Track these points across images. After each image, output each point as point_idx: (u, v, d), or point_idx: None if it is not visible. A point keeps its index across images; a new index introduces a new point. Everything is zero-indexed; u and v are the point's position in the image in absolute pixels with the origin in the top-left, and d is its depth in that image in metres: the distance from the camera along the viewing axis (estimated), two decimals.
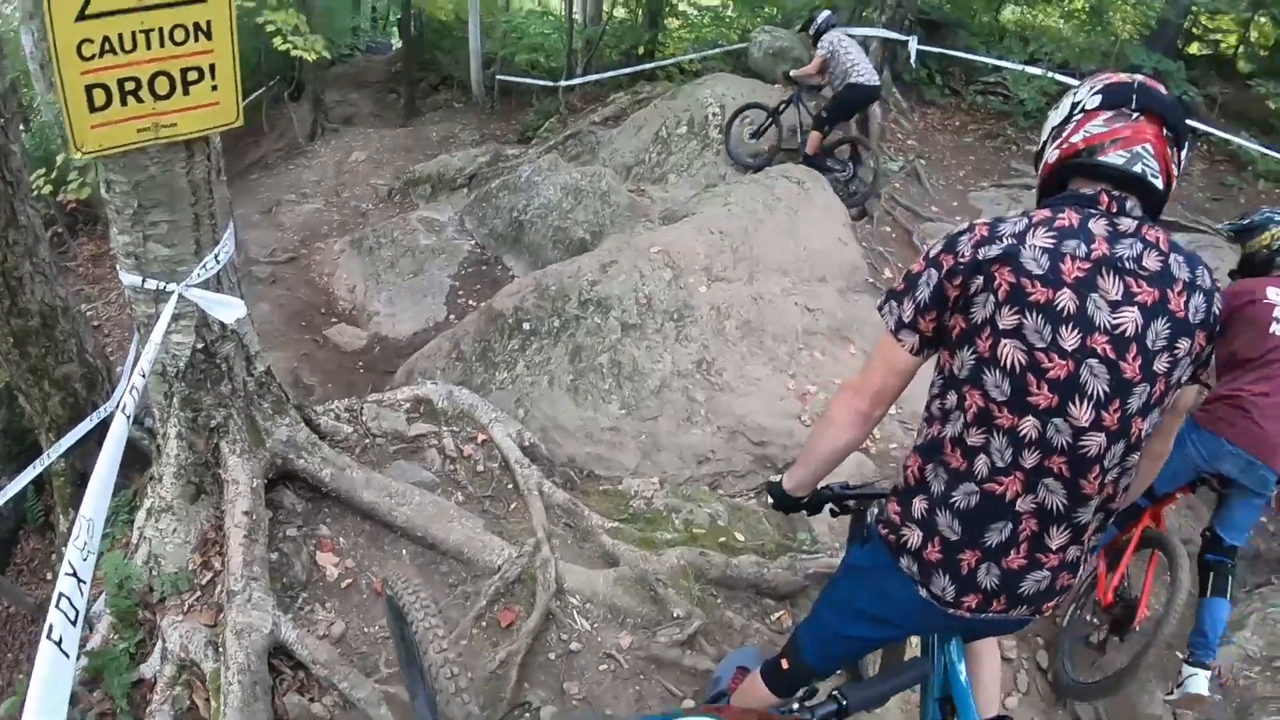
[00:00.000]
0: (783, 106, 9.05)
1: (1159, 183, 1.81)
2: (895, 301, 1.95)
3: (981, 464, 1.88)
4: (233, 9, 2.56)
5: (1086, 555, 1.99)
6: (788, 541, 4.29)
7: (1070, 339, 1.74)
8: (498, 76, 15.55)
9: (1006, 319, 1.76)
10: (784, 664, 2.38)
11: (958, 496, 1.92)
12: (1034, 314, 1.75)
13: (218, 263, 2.93)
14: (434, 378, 7.37)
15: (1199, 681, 3.73)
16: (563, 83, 13.72)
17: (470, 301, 8.93)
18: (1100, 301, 1.74)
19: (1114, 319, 1.74)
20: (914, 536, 1.99)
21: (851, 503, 2.42)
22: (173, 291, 2.83)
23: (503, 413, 4.84)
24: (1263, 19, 11.47)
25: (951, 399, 1.90)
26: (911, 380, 2.01)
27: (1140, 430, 1.83)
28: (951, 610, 1.99)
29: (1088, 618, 4.13)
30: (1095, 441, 1.80)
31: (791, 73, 9.05)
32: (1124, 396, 1.78)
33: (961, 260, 1.82)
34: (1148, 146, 1.79)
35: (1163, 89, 1.86)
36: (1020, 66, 10.37)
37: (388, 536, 3.63)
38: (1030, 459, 1.83)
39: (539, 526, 3.83)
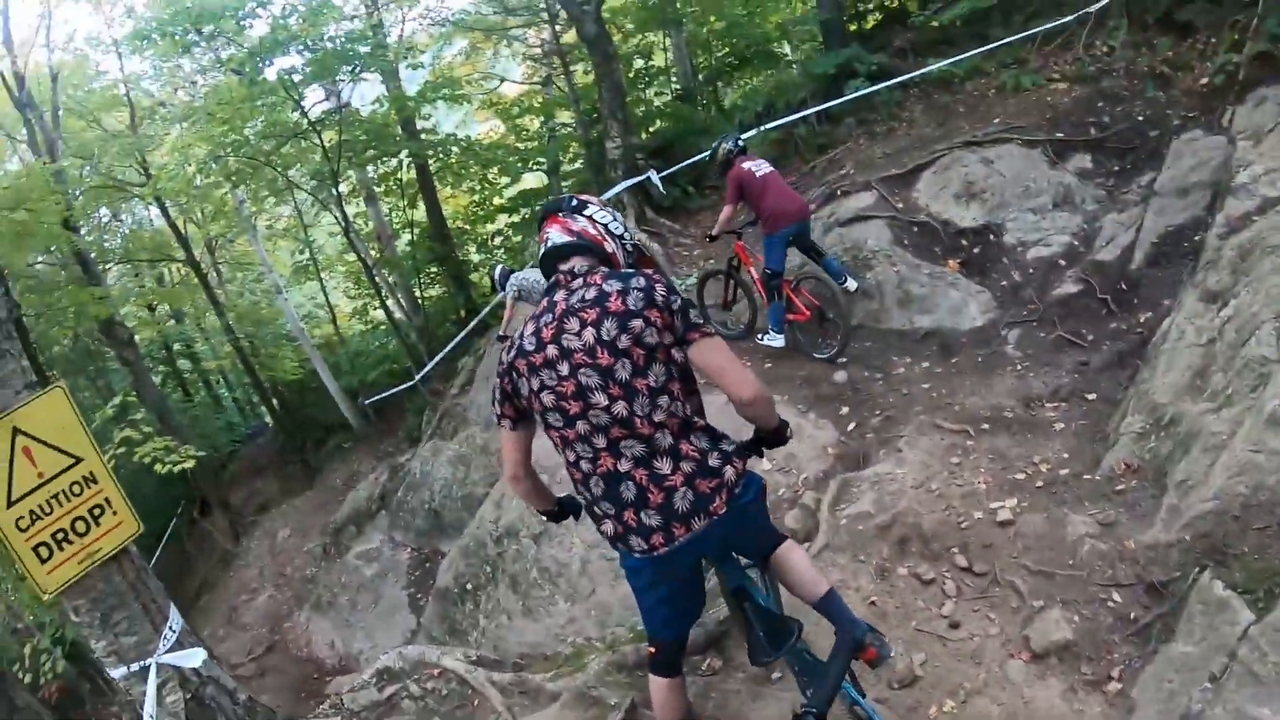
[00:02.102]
0: None
1: (566, 238, 2.88)
2: (493, 404, 2.90)
3: (584, 465, 2.76)
4: (102, 459, 3.70)
5: (710, 456, 2.75)
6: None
7: (564, 367, 2.66)
8: (364, 403, 16.79)
9: (533, 384, 2.72)
10: (651, 649, 3.19)
11: (594, 491, 2.78)
12: (542, 371, 2.70)
13: (174, 632, 3.90)
14: None
15: (776, 339, 7.71)
16: (417, 378, 14.95)
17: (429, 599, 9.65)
18: (570, 337, 2.66)
19: (579, 340, 2.65)
20: (606, 527, 2.84)
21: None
22: (150, 664, 3.79)
23: (448, 645, 5.60)
24: None
25: (557, 448, 2.82)
26: (530, 443, 2.97)
27: (645, 385, 2.66)
28: (655, 553, 2.77)
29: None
30: (619, 407, 2.65)
31: (501, 333, 10.50)
32: (613, 375, 2.64)
33: (501, 367, 2.82)
34: (552, 230, 2.90)
35: (556, 199, 3.06)
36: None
37: None
38: (601, 441, 2.70)
39: (497, 703, 4.60)
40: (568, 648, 6.30)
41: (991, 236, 7.56)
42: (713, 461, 2.75)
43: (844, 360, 7.35)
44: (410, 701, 4.98)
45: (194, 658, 3.91)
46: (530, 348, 2.73)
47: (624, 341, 2.64)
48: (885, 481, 5.43)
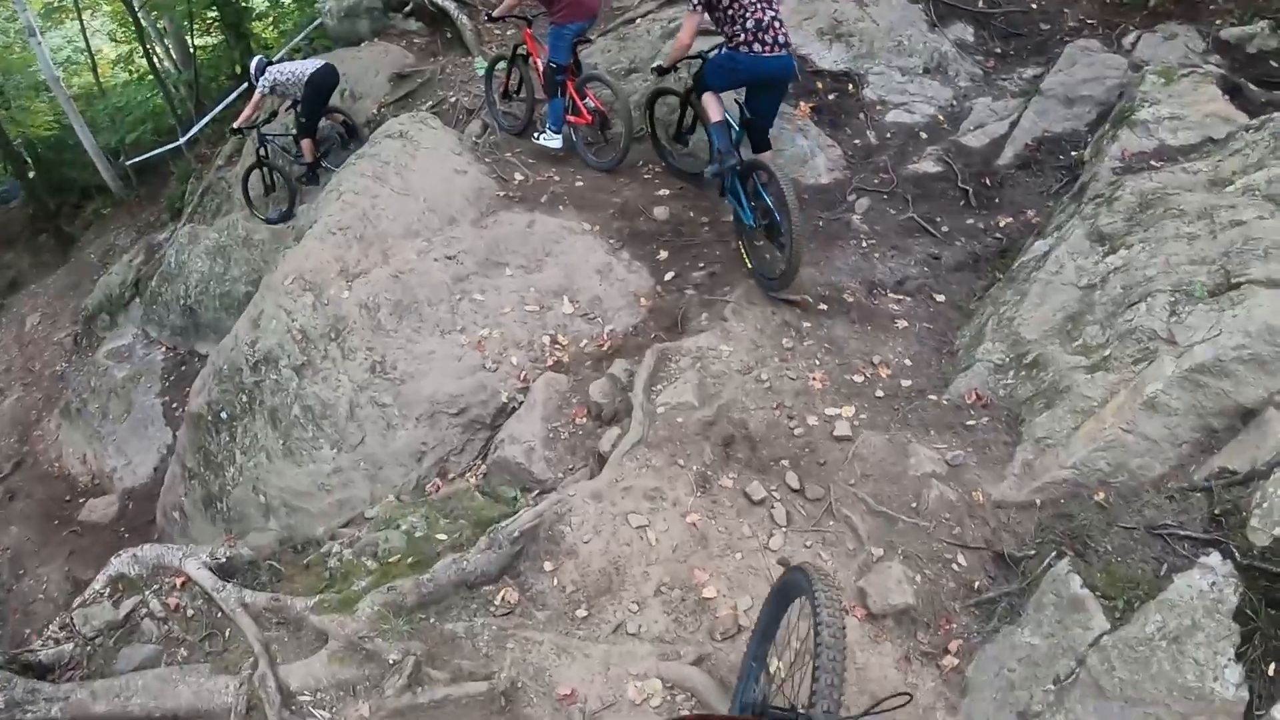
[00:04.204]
0: (263, 155, 9.07)
1: None
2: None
3: (746, 15, 5.07)
4: None
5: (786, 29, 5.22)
6: (490, 512, 4.17)
7: None
8: (126, 163, 14.36)
9: None
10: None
11: (747, 26, 5.07)
12: None
13: None
14: (181, 508, 6.92)
15: (553, 139, 6.94)
16: (182, 140, 12.70)
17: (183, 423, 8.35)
18: None
19: None
20: (741, 38, 5.11)
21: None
22: None
23: (190, 544, 4.60)
24: None
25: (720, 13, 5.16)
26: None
27: None
28: (764, 54, 5.07)
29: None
30: None
31: (234, 125, 9.22)
32: None
33: None
34: None
35: None
36: None
37: None
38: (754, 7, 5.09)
39: (254, 641, 3.75)
40: (334, 508, 5.38)
41: (850, 86, 6.59)
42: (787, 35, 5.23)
43: (665, 193, 6.28)
44: (151, 622, 4.08)
45: None
46: None
47: None
48: (708, 359, 4.62)
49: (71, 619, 4.20)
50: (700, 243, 5.80)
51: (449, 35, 9.81)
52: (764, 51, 5.10)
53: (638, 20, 8.28)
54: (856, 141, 6.47)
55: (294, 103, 8.60)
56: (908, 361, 4.67)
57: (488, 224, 6.13)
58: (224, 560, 4.36)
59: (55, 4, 16.37)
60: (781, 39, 5.13)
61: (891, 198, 6.02)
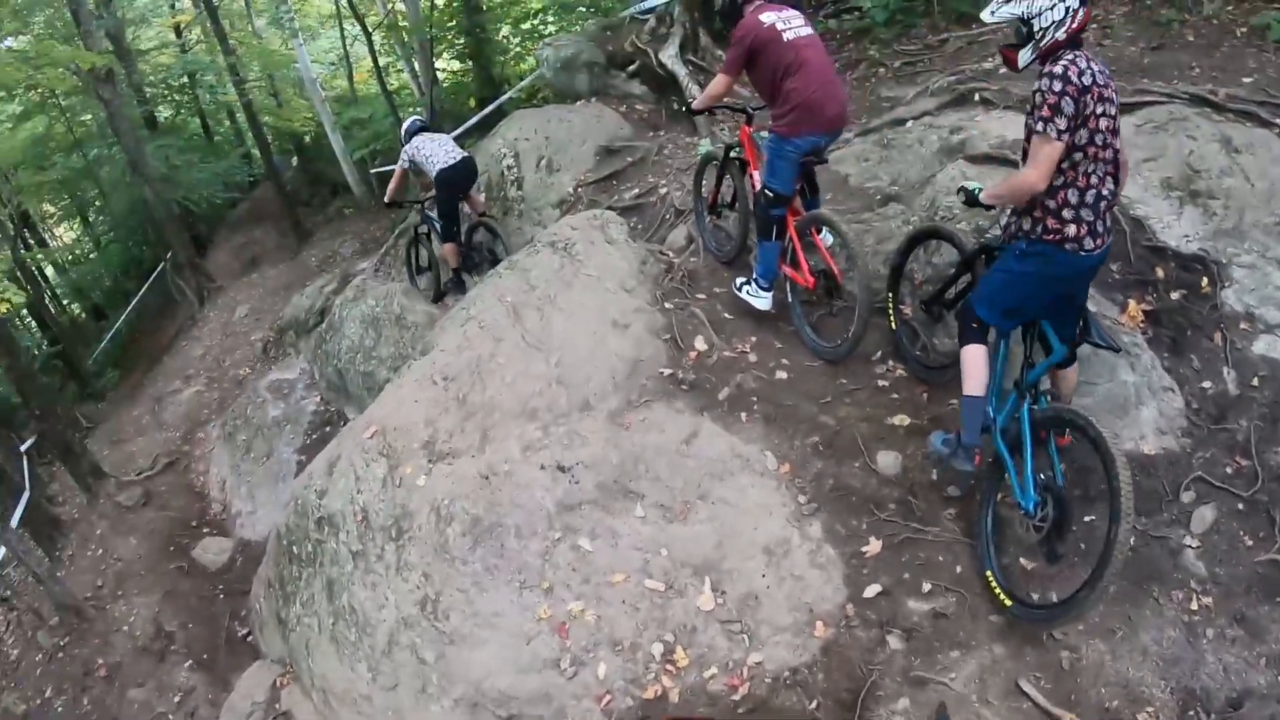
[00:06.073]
0: (421, 233, 7.78)
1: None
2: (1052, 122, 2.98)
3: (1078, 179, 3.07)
4: None
5: None
6: None
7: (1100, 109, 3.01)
8: (372, 171, 13.57)
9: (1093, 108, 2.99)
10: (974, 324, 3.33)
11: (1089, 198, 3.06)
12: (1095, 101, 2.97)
13: None
14: (261, 605, 5.54)
15: (761, 298, 4.61)
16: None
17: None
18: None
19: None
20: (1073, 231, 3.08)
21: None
22: None
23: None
24: None
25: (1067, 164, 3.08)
26: None
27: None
28: (1092, 251, 3.08)
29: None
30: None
31: (385, 199, 7.85)
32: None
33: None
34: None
35: None
36: None
37: None
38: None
39: None
40: None
41: (1204, 282, 3.89)
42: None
43: (903, 422, 3.96)
44: None
45: None
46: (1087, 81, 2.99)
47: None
48: None
49: None
50: (935, 540, 3.48)
51: (675, 106, 7.85)
52: (1095, 247, 3.07)
53: (909, 123, 5.69)
54: (1205, 385, 3.74)
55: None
56: None
57: (631, 422, 4.12)
58: None
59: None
60: (1110, 221, 3.14)
61: (1249, 510, 3.37)
